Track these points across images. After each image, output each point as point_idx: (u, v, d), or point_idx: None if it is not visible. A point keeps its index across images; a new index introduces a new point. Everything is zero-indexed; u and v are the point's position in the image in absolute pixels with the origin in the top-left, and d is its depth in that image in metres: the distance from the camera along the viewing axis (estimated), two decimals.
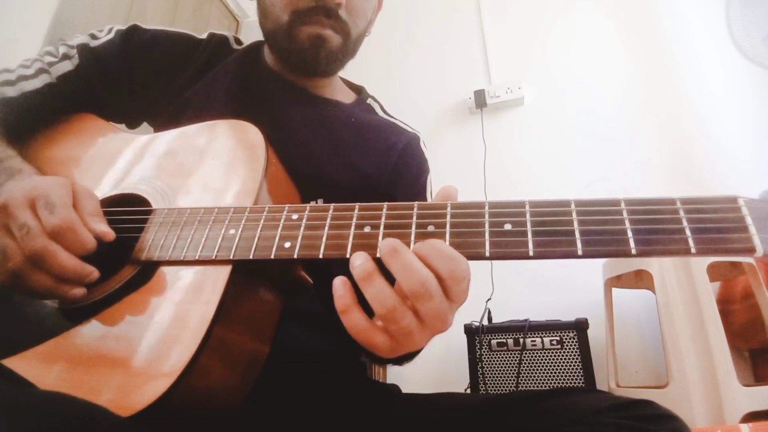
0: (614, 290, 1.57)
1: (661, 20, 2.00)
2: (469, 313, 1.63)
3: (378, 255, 0.38)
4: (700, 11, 1.93)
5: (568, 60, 2.10)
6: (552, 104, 2.08)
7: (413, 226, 0.40)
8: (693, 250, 0.34)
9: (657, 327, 1.35)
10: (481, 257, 0.37)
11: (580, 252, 0.36)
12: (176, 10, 2.20)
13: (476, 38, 2.29)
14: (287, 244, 0.42)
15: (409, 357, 0.61)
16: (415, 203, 0.41)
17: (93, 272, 0.44)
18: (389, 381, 0.86)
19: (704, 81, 1.87)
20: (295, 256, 0.41)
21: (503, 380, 1.48)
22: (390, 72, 2.35)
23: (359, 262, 0.37)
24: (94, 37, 0.72)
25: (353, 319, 0.37)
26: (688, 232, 0.35)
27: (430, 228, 0.39)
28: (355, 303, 0.37)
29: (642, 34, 2.02)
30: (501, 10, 2.29)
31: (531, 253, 0.36)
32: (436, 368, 1.79)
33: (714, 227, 0.35)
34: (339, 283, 0.37)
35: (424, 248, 0.37)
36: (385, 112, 0.82)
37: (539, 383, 1.44)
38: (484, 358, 1.51)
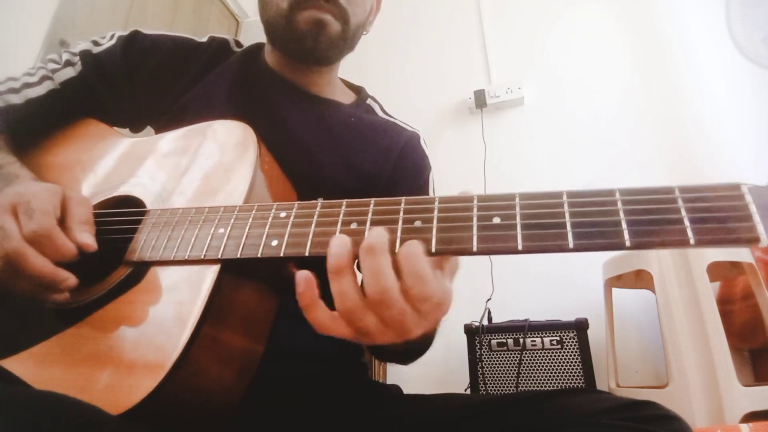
0: (614, 290, 1.57)
1: (661, 20, 2.00)
2: (469, 313, 1.63)
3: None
4: (700, 11, 1.93)
5: (569, 60, 2.10)
6: (552, 104, 2.08)
7: (400, 222, 0.39)
8: (692, 241, 0.32)
9: (657, 327, 1.35)
10: (468, 252, 0.36)
11: (571, 245, 0.34)
12: (176, 10, 2.20)
13: (476, 38, 2.30)
14: (274, 242, 0.42)
15: (412, 356, 0.61)
16: (403, 198, 0.40)
17: (68, 278, 0.43)
18: (390, 381, 0.86)
19: (704, 81, 1.87)
20: (282, 254, 0.41)
21: (503, 380, 1.47)
22: (390, 72, 2.35)
23: (335, 250, 0.36)
24: (96, 43, 0.73)
25: (315, 315, 0.37)
26: (686, 222, 0.33)
27: (417, 223, 0.38)
28: (317, 300, 0.37)
29: (642, 34, 2.02)
30: (501, 10, 2.29)
31: (520, 248, 0.35)
32: (436, 368, 1.79)
33: (715, 216, 0.33)
34: (301, 279, 0.37)
35: (402, 255, 0.36)
36: (384, 112, 0.82)
37: (539, 383, 1.44)
38: (484, 358, 1.51)
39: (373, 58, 2.22)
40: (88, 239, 0.46)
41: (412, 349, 0.58)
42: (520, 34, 2.23)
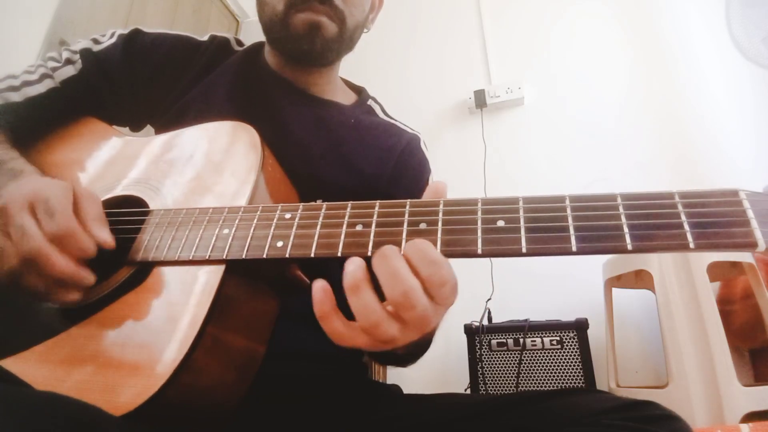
0: (614, 290, 1.57)
1: (661, 20, 2.00)
2: (469, 313, 1.63)
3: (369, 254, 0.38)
4: (700, 11, 1.93)
5: (569, 60, 2.10)
6: (552, 104, 2.08)
7: (405, 224, 0.39)
8: (691, 245, 0.33)
9: (657, 327, 1.35)
10: (473, 254, 0.37)
11: (574, 248, 0.35)
12: (176, 10, 2.20)
13: (476, 38, 2.29)
14: (279, 244, 0.42)
15: (412, 359, 0.61)
16: (408, 201, 0.41)
17: (88, 277, 0.44)
18: (390, 381, 0.86)
19: (704, 81, 1.87)
20: (287, 255, 0.41)
21: (503, 380, 1.47)
22: (390, 72, 2.35)
23: (350, 269, 0.36)
24: (96, 41, 0.73)
25: (332, 326, 0.37)
26: (686, 227, 0.34)
27: (422, 225, 0.39)
28: (334, 309, 0.37)
29: (642, 35, 2.02)
30: (501, 10, 2.29)
31: (524, 250, 0.36)
32: (436, 368, 1.79)
33: (714, 221, 0.34)
34: (318, 288, 0.37)
35: (409, 250, 0.36)
36: (385, 113, 0.82)
37: (539, 383, 1.44)
38: (484, 358, 1.51)
39: (373, 58, 2.21)
40: (107, 236, 0.46)
41: (415, 351, 0.58)
42: (520, 34, 2.23)
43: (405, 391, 0.67)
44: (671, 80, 1.91)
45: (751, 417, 1.13)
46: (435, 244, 0.37)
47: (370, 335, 0.36)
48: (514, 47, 2.22)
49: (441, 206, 0.40)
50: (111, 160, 0.61)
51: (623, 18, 2.07)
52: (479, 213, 0.38)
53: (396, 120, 0.82)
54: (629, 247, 0.34)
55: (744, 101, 1.80)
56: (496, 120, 2.14)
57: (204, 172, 0.54)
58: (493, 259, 1.79)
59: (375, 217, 0.40)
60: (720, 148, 1.77)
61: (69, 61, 0.70)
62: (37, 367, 0.43)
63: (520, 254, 0.36)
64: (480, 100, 2.12)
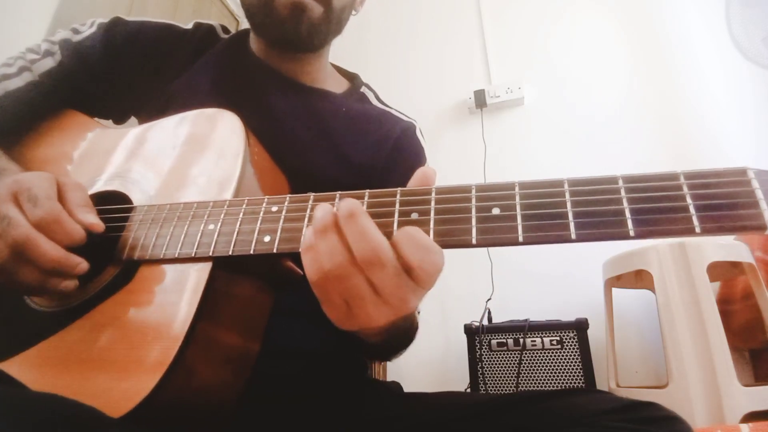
0: (614, 290, 1.57)
1: (661, 20, 2.00)
2: (469, 313, 1.63)
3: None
4: (700, 11, 1.93)
5: (569, 60, 2.10)
6: (552, 104, 2.08)
7: (396, 214, 0.38)
8: (697, 230, 0.31)
9: (657, 327, 1.35)
10: (467, 245, 0.35)
11: (573, 236, 0.33)
12: (176, 10, 2.20)
13: (476, 38, 2.29)
14: (267, 238, 0.41)
15: (393, 351, 0.60)
16: (398, 189, 0.39)
17: (81, 263, 0.43)
18: (390, 379, 0.86)
19: (704, 81, 1.87)
20: (275, 250, 0.40)
21: (503, 380, 1.47)
22: (390, 72, 2.34)
23: (318, 214, 0.36)
24: (76, 31, 0.70)
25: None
26: (692, 210, 0.32)
27: (414, 215, 0.37)
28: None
29: (642, 34, 2.01)
30: (501, 10, 2.29)
31: (521, 239, 0.34)
32: (436, 368, 1.78)
33: (721, 203, 0.32)
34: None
35: (398, 235, 0.35)
36: (379, 100, 0.80)
37: (539, 383, 1.43)
38: (484, 358, 1.51)
39: (372, 58, 2.21)
40: (93, 220, 0.45)
41: (396, 342, 0.57)
42: (520, 34, 2.23)
43: (405, 391, 0.67)
44: (671, 80, 1.91)
45: (751, 417, 1.13)
46: (428, 235, 0.36)
47: (337, 286, 0.35)
48: (514, 47, 2.22)
49: (433, 194, 0.38)
50: (93, 153, 0.59)
51: (623, 18, 2.06)
52: (473, 201, 0.37)
53: (391, 107, 0.79)
54: (631, 233, 0.32)
55: (744, 101, 1.80)
56: (496, 120, 2.13)
57: (187, 163, 0.52)
58: (492, 258, 1.80)
59: (364, 207, 0.39)
60: (720, 148, 1.77)
61: (48, 53, 0.67)
62: (29, 372, 0.42)
63: (516, 243, 0.34)
64: (480, 100, 2.12)
